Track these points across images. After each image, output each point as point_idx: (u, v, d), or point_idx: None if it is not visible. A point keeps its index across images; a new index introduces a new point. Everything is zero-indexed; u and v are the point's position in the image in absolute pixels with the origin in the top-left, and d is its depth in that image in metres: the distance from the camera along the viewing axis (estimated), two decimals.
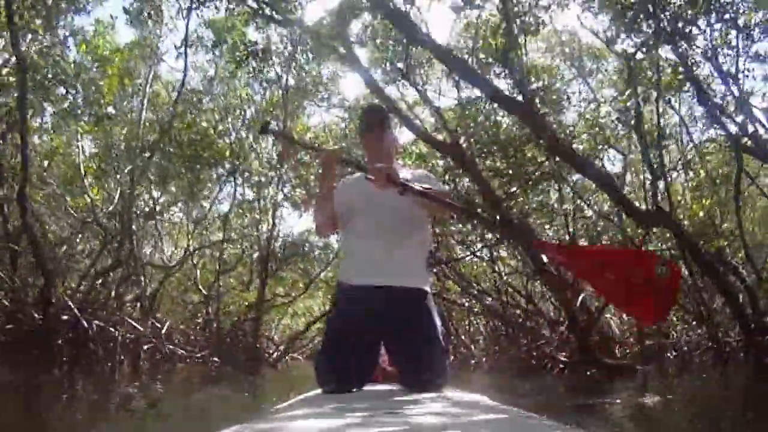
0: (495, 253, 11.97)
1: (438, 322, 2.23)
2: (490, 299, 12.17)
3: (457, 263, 12.11)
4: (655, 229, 5.93)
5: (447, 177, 7.33)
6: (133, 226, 8.48)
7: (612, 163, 8.73)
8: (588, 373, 7.23)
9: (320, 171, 2.33)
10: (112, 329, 6.46)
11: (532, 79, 6.66)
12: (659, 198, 5.36)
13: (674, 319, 7.66)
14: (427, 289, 2.25)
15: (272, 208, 13.42)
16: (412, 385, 2.09)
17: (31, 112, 7.74)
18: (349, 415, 1.48)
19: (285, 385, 7.44)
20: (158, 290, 11.27)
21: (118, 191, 9.05)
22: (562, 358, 7.67)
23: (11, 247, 6.35)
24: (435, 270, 10.61)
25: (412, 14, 6.47)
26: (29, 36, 6.91)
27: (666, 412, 4.17)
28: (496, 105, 6.60)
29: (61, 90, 7.81)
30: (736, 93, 5.81)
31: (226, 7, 6.97)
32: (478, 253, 11.99)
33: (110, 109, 9.18)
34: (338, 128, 11.73)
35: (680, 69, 5.84)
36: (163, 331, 8.34)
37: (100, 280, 7.00)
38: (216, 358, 9.54)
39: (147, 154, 9.24)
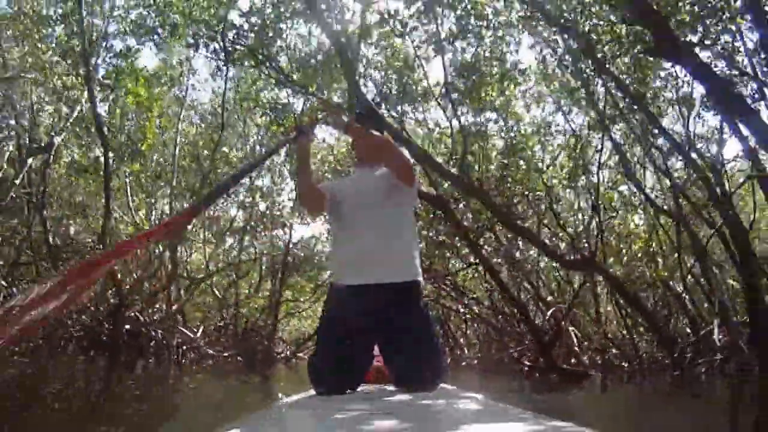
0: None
1: (432, 320, 2.26)
2: (481, 307, 13.65)
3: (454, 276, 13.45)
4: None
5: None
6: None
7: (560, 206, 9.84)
8: (554, 375, 8.80)
9: (295, 139, 2.32)
10: (162, 334, 8.14)
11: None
12: (596, 244, 6.94)
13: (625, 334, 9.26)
14: (419, 279, 2.26)
15: (288, 219, 14.72)
16: (406, 385, 2.11)
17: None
18: (343, 416, 1.47)
19: (296, 377, 9.02)
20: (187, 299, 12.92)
21: (160, 212, 10.74)
22: (528, 363, 9.25)
23: None
24: (432, 282, 12.10)
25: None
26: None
27: (597, 407, 5.39)
28: None
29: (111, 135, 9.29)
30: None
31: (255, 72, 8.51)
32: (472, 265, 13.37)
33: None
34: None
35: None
36: (198, 335, 10.05)
37: (156, 294, 8.62)
38: (239, 357, 11.21)
39: (183, 183, 10.89)
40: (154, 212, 11.26)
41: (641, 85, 6.68)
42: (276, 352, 16.03)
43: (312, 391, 2.16)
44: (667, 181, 7.06)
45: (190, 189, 11.65)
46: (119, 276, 7.30)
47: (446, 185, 7.57)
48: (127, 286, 7.71)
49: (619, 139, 7.13)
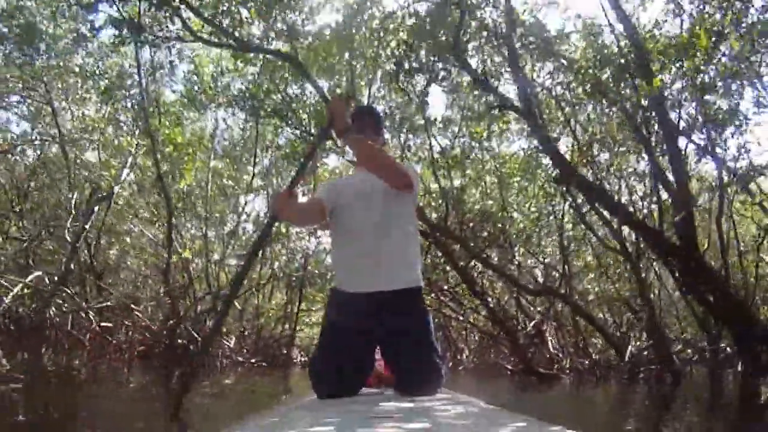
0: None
1: (432, 325, 2.29)
2: (476, 316, 15.39)
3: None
4: None
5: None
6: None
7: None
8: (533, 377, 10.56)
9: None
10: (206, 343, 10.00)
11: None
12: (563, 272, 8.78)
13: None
14: (420, 284, 2.30)
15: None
16: (407, 390, 2.14)
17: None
18: (343, 420, 1.51)
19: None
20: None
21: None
22: (510, 368, 11.07)
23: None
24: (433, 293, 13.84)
25: None
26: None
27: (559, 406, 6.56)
28: None
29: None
30: None
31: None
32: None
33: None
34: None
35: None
36: (232, 344, 11.96)
37: (199, 307, 10.44)
38: (263, 363, 13.10)
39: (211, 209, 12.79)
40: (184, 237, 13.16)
41: None
42: (292, 357, 17.85)
43: (314, 396, 2.23)
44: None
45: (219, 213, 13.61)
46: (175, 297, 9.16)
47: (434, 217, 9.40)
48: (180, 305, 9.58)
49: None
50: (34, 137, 10.32)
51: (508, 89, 7.94)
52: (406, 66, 7.22)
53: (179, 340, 9.38)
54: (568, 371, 10.65)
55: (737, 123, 6.28)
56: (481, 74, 7.14)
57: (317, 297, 20.16)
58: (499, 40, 6.98)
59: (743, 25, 5.76)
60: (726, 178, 7.06)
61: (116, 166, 10.22)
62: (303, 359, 18.31)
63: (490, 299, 10.65)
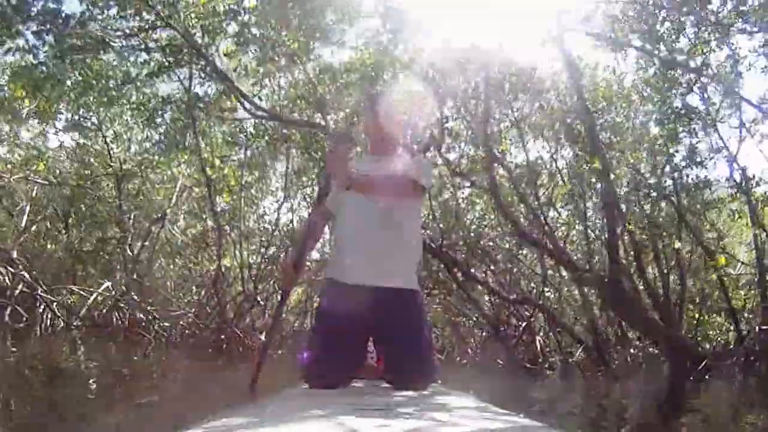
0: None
1: (426, 321, 2.39)
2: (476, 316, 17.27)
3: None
4: None
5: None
6: None
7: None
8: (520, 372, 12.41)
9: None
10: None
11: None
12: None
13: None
14: (417, 288, 2.38)
15: None
16: (398, 382, 2.22)
17: None
18: (332, 411, 1.50)
19: None
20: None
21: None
22: (500, 362, 12.97)
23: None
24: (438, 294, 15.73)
25: None
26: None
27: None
28: None
29: None
30: None
31: None
32: None
33: None
34: None
35: None
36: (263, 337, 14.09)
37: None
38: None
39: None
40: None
41: None
42: None
43: (305, 385, 2.25)
44: None
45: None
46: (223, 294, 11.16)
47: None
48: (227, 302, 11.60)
49: None
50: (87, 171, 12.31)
51: None
52: None
53: (222, 336, 11.45)
54: (547, 367, 12.50)
55: None
56: None
57: None
58: None
59: None
60: None
61: (168, 189, 12.33)
62: None
63: (487, 300, 12.61)
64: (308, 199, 12.62)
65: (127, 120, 11.77)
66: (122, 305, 11.21)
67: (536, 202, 9.56)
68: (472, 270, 10.61)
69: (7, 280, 9.57)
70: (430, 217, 10.77)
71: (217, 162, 11.06)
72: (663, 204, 9.27)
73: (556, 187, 10.55)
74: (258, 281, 12.01)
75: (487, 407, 1.81)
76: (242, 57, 7.86)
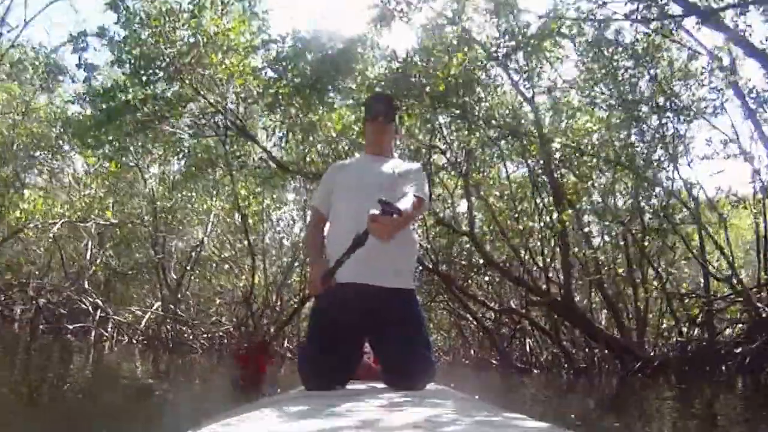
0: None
1: (423, 321, 2.39)
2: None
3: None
4: None
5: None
6: None
7: None
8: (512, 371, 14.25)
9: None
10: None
11: None
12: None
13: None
14: (412, 287, 2.40)
15: None
16: (396, 383, 2.21)
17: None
18: (330, 412, 1.51)
19: None
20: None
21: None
22: (494, 361, 14.99)
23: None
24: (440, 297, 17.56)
25: None
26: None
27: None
28: None
29: None
30: None
31: None
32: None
33: None
34: None
35: None
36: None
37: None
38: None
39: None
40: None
41: None
42: None
43: (302, 387, 2.30)
44: None
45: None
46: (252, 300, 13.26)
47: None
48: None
49: None
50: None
51: None
52: None
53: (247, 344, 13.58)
54: (536, 367, 14.42)
55: None
56: None
57: None
58: None
59: None
60: None
61: (202, 220, 14.55)
62: None
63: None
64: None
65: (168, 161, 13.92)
66: (168, 320, 13.40)
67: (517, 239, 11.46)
68: (467, 282, 12.54)
69: (90, 308, 11.76)
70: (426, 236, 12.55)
71: (247, 194, 13.16)
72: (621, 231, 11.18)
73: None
74: (279, 292, 14.03)
75: (484, 406, 1.83)
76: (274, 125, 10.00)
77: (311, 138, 10.18)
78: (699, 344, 9.03)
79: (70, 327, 11.67)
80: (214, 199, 14.09)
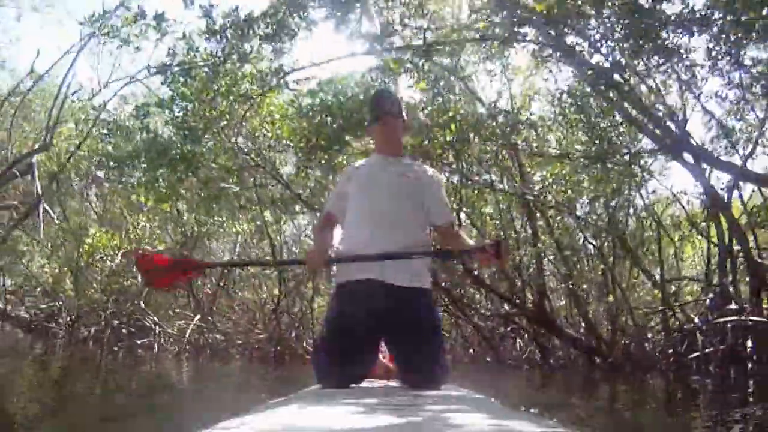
0: None
1: (438, 321, 2.47)
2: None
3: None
4: None
5: None
6: None
7: None
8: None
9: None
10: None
11: None
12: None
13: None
14: (428, 286, 2.46)
15: None
16: (411, 382, 2.30)
17: None
18: (346, 410, 1.55)
19: None
20: None
21: None
22: (489, 359, 17.14)
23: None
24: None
25: None
26: None
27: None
28: None
29: None
30: None
31: None
32: None
33: None
34: None
35: None
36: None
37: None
38: None
39: None
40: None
41: None
42: None
43: (318, 385, 2.37)
44: None
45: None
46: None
47: None
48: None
49: None
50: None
51: None
52: None
53: (278, 348, 15.70)
54: (526, 363, 16.50)
55: None
56: None
57: None
58: None
59: None
60: None
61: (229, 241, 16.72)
62: None
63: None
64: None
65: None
66: (205, 331, 15.54)
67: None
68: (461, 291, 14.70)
69: (151, 324, 13.97)
70: None
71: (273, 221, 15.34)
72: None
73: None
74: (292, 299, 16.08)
75: (499, 406, 1.88)
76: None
77: (330, 177, 12.29)
78: (643, 347, 11.15)
79: (138, 342, 13.87)
80: (240, 222, 16.25)
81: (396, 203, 2.41)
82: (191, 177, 11.60)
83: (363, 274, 2.34)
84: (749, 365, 8.82)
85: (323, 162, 11.21)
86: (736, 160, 10.65)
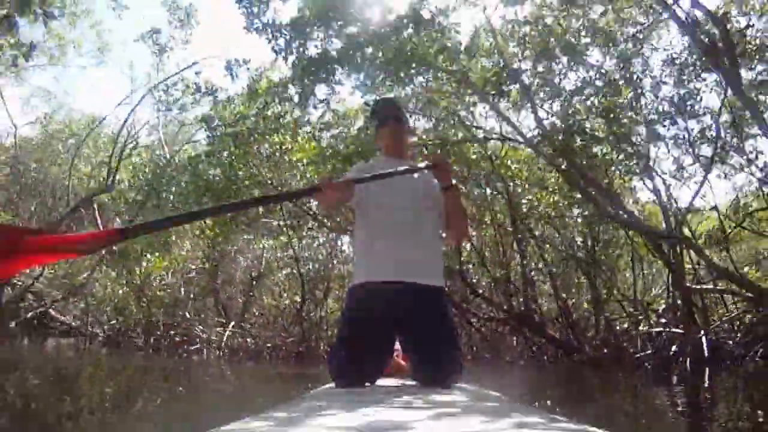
0: None
1: (453, 320, 2.50)
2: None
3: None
4: None
5: None
6: None
7: None
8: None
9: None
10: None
11: None
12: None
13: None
14: (443, 285, 2.49)
15: None
16: (425, 381, 2.30)
17: None
18: (362, 408, 1.55)
19: None
20: None
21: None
22: (487, 355, 19.37)
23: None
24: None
25: None
26: None
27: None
28: None
29: None
30: None
31: None
32: None
33: None
34: None
35: None
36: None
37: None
38: None
39: None
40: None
41: None
42: None
43: (333, 384, 2.37)
44: None
45: None
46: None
47: None
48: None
49: None
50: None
51: None
52: None
53: (301, 348, 17.88)
54: (522, 359, 18.56)
55: None
56: None
57: None
58: None
59: None
60: None
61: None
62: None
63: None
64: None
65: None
66: (238, 335, 17.78)
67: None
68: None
69: (199, 332, 16.38)
70: None
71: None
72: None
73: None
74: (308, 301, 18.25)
75: (514, 406, 1.85)
76: None
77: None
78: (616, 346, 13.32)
79: (191, 348, 16.26)
80: (266, 238, 18.50)
81: (415, 211, 2.51)
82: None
83: (380, 276, 2.43)
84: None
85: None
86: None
